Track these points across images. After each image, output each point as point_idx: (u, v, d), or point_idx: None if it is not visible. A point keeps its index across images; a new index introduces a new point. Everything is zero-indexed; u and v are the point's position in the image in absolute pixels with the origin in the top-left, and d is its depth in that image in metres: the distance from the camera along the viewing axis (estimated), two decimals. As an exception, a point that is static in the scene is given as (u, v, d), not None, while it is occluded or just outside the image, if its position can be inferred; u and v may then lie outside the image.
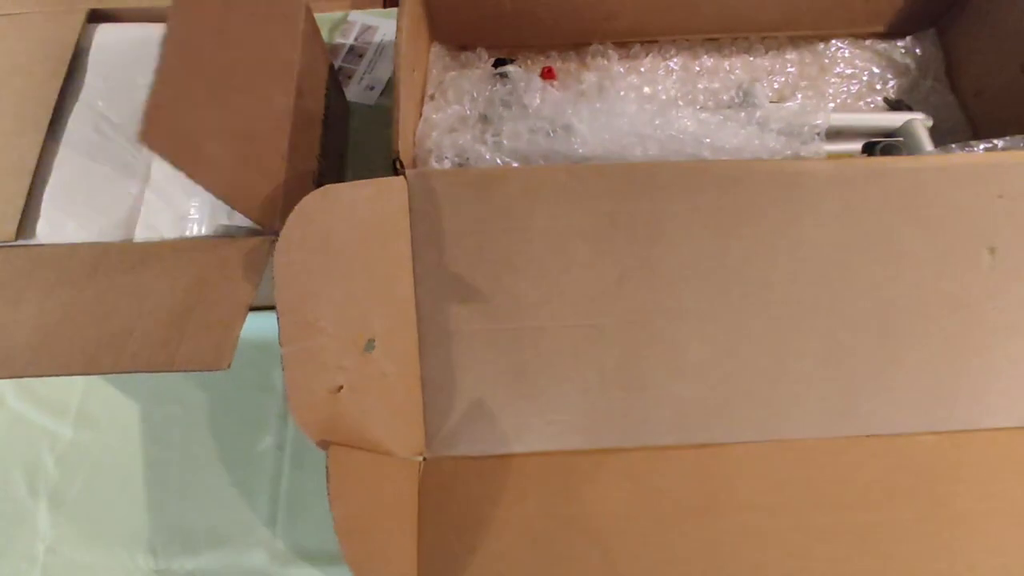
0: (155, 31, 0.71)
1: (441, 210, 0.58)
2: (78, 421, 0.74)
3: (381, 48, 0.97)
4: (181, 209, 0.63)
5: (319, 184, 0.73)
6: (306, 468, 0.73)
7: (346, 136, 0.90)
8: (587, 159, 0.67)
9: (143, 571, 0.68)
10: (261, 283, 0.57)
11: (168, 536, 0.69)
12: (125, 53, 0.69)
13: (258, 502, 0.72)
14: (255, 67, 0.65)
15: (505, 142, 0.69)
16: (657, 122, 0.68)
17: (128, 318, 0.54)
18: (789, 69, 0.81)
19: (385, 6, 1.09)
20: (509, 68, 0.72)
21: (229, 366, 0.52)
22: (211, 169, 0.57)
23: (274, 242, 0.58)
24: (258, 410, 0.75)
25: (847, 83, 0.81)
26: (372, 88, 0.94)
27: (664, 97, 0.75)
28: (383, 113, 0.92)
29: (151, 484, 0.71)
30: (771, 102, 0.75)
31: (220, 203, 0.61)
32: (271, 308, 0.77)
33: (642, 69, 0.80)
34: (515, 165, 0.68)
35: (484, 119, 0.72)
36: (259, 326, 0.78)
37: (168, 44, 0.62)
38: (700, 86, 0.76)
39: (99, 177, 0.63)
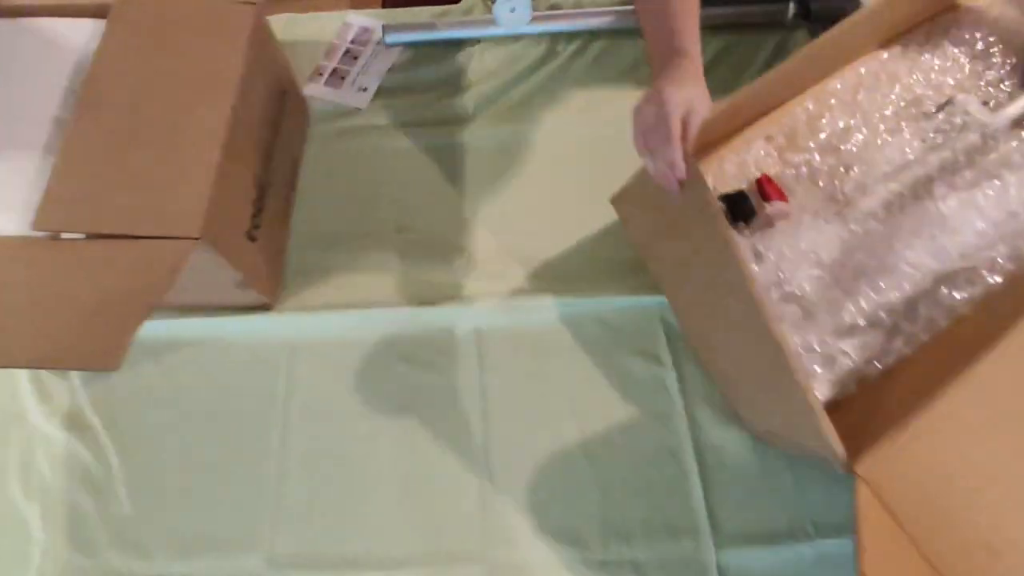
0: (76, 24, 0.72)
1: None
2: (73, 424, 0.75)
3: (376, 51, 0.96)
4: None
5: (261, 188, 0.73)
6: (305, 475, 0.73)
7: (303, 140, 0.91)
8: None
9: (138, 575, 0.69)
10: (174, 286, 0.58)
11: (163, 540, 0.70)
12: (41, 48, 0.70)
13: (256, 508, 0.72)
14: (190, 81, 0.66)
15: None
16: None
17: (34, 314, 0.54)
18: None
19: (384, 6, 1.09)
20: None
21: (118, 367, 0.51)
22: (119, 215, 0.59)
23: (195, 245, 0.58)
24: (256, 415, 0.76)
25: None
26: (365, 90, 0.93)
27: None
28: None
29: (146, 488, 0.72)
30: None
31: None
32: (269, 310, 0.79)
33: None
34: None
35: None
36: (255, 328, 0.79)
37: (88, 83, 0.65)
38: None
39: (31, 173, 0.64)
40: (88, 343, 0.52)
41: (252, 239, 0.72)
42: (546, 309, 0.80)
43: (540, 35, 0.98)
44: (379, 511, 0.72)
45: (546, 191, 0.88)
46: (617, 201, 0.74)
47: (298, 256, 0.84)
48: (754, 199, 0.73)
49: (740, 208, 0.73)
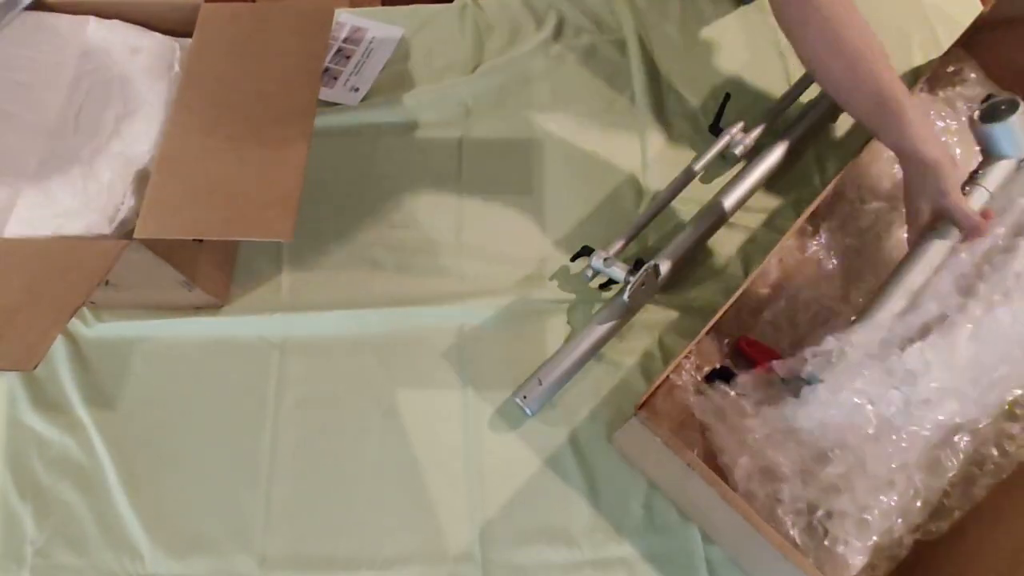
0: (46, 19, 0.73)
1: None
2: (66, 425, 0.75)
3: (369, 50, 0.96)
4: (61, 206, 0.63)
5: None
6: (297, 474, 0.74)
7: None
8: None
9: (130, 574, 0.69)
10: (99, 286, 0.58)
11: (155, 541, 0.70)
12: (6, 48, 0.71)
13: (248, 507, 0.72)
14: (276, 85, 0.69)
15: None
16: None
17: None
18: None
19: (384, 3, 1.09)
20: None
21: (35, 368, 0.52)
22: (215, 220, 0.61)
23: (127, 245, 0.60)
24: (248, 415, 0.76)
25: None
26: (357, 89, 0.93)
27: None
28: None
29: (139, 488, 0.72)
30: None
31: (99, 204, 0.63)
32: (265, 312, 0.79)
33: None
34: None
35: None
36: (248, 328, 0.79)
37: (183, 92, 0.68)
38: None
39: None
40: (8, 342, 0.52)
41: (198, 240, 0.73)
42: (538, 309, 0.81)
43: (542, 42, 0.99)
44: (370, 511, 0.72)
45: (540, 191, 0.88)
46: (615, 443, 0.74)
47: (289, 255, 0.84)
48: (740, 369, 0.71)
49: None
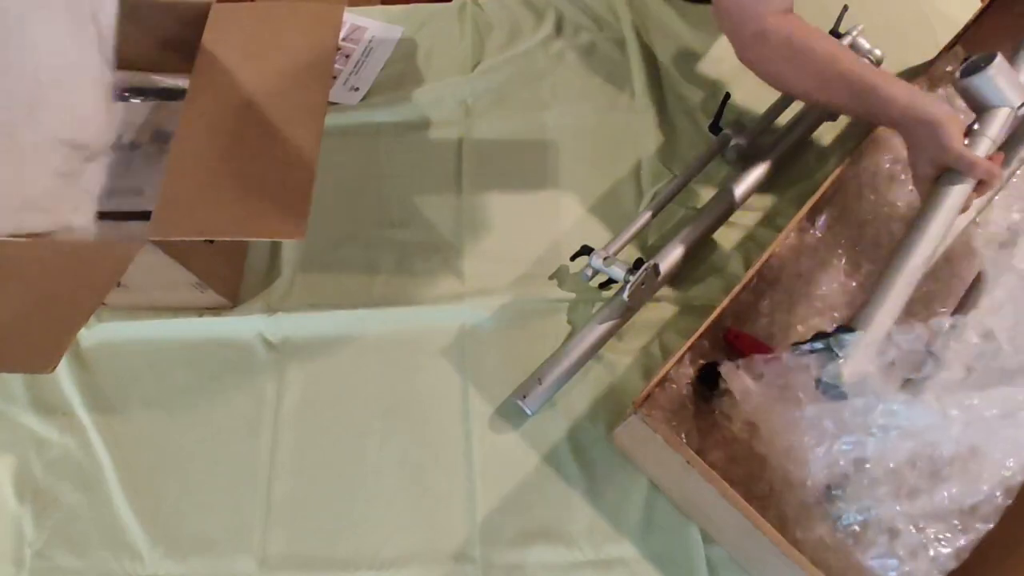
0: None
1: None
2: (65, 426, 0.75)
3: (369, 49, 0.96)
4: (18, 200, 0.62)
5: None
6: (297, 475, 0.73)
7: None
8: None
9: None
10: (113, 288, 0.58)
11: (155, 541, 0.70)
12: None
13: (247, 508, 0.72)
14: (288, 85, 0.69)
15: None
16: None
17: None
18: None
19: (384, 2, 1.08)
20: None
21: (53, 370, 0.52)
22: (227, 221, 0.61)
23: (141, 247, 0.59)
24: (248, 416, 0.76)
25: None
26: (356, 89, 0.93)
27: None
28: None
29: (138, 489, 0.72)
30: None
31: (72, 197, 0.63)
32: (265, 312, 0.79)
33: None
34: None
35: None
36: (248, 329, 0.79)
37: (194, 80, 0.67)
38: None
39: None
40: (25, 345, 0.52)
41: (208, 241, 0.73)
42: (537, 309, 0.81)
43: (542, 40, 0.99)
44: (370, 511, 0.72)
45: (540, 191, 0.88)
46: (615, 440, 0.74)
47: (288, 255, 0.84)
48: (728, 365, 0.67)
49: (713, 381, 0.69)
